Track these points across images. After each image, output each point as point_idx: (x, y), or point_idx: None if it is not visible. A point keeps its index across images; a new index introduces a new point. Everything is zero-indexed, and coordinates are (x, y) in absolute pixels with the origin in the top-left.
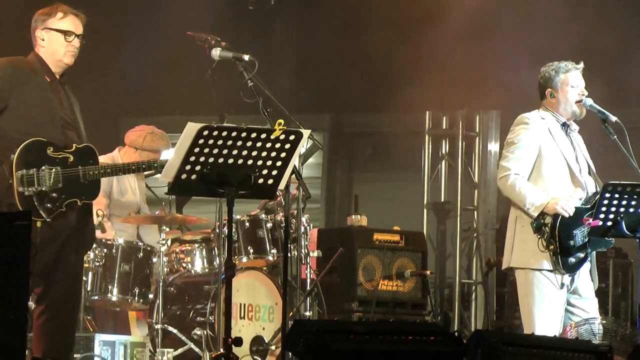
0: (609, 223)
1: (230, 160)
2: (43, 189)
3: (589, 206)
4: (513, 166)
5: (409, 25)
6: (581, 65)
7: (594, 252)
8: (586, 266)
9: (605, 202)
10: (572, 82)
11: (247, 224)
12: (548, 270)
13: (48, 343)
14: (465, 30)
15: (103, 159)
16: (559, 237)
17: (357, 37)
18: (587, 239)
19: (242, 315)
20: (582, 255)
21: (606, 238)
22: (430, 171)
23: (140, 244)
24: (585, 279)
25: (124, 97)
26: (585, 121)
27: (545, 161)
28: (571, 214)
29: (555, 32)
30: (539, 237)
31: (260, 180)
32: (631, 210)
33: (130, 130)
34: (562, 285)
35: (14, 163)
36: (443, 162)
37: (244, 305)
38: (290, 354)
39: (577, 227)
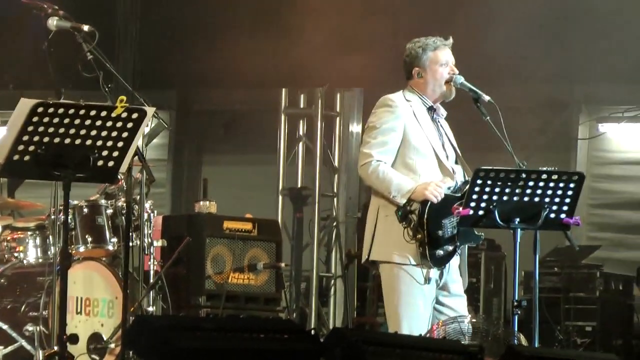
0: (481, 212)
1: (67, 140)
2: None
3: (459, 195)
4: (375, 152)
5: None
6: (450, 40)
7: (466, 246)
8: (455, 261)
9: (477, 189)
10: (441, 59)
11: (86, 210)
12: (414, 264)
13: None
14: (325, 1)
15: None
16: (427, 227)
17: (206, 6)
18: (456, 230)
19: (79, 310)
20: (450, 248)
21: (476, 232)
22: (286, 154)
23: None
24: (455, 274)
25: None
26: (456, 101)
27: (411, 147)
28: (440, 200)
29: (421, 5)
30: (404, 226)
31: (100, 162)
32: (505, 198)
33: None
34: (430, 280)
35: None
36: (300, 144)
37: (81, 299)
38: (131, 352)
39: (446, 216)
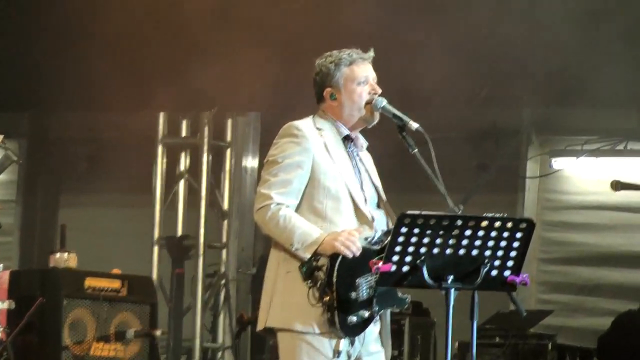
0: (406, 268)
1: None
2: None
3: (379, 248)
4: (275, 193)
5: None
6: (370, 53)
7: (387, 311)
8: (374, 327)
9: (401, 239)
10: (359, 76)
11: None
12: (320, 333)
13: None
14: (208, 13)
15: None
16: (337, 287)
17: (66, 11)
18: (375, 292)
19: None
20: (366, 314)
21: (399, 293)
22: (164, 194)
23: None
24: (373, 344)
25: None
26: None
27: (321, 188)
28: (356, 254)
29: (334, 11)
30: (309, 286)
31: None
32: (436, 251)
33: None
34: (339, 353)
35: None
36: (182, 181)
37: None
38: None
39: (362, 274)
